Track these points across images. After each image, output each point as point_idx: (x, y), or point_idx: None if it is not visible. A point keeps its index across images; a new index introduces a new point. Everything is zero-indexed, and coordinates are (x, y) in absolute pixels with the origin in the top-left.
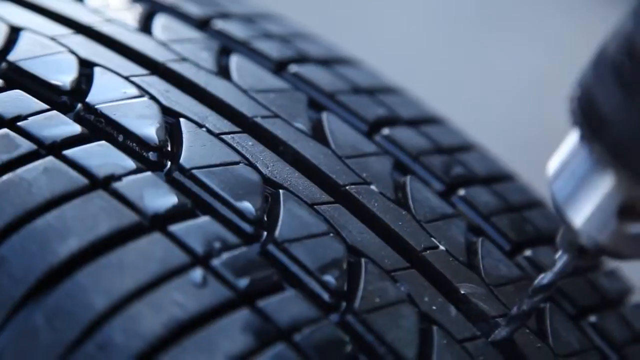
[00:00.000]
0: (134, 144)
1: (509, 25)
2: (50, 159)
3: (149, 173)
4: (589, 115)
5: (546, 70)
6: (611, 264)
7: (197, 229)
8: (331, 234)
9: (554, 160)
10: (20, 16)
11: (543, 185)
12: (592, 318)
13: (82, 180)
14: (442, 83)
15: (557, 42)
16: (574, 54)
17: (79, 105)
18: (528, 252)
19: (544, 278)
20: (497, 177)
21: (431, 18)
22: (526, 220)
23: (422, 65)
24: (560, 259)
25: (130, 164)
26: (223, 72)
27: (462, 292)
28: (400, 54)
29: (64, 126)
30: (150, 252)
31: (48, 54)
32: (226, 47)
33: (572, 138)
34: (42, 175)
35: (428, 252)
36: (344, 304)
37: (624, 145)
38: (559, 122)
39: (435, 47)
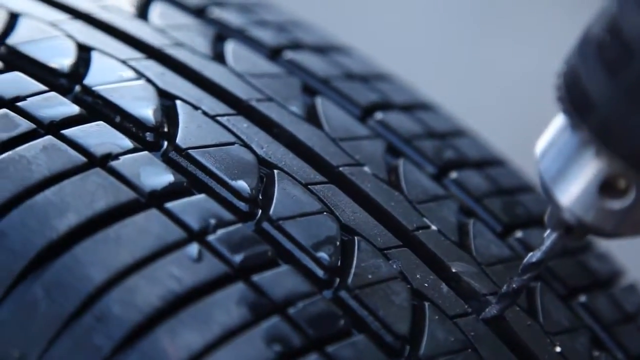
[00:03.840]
0: (131, 125)
1: (510, 24)
2: (49, 137)
3: (145, 152)
4: (574, 93)
5: (546, 69)
6: (602, 245)
7: (192, 206)
8: (325, 213)
9: (542, 140)
10: (19, 2)
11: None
12: (582, 298)
13: (80, 159)
14: (442, 81)
15: (557, 41)
16: None
17: (77, 87)
18: (519, 234)
19: (533, 256)
20: (488, 161)
21: (431, 16)
22: (517, 203)
23: (422, 64)
24: (549, 237)
25: (128, 143)
26: (218, 57)
27: (454, 270)
28: (400, 52)
29: (62, 107)
30: (146, 228)
31: (46, 37)
32: (222, 34)
33: (559, 117)
34: (41, 154)
35: (420, 231)
36: (337, 280)
37: (605, 122)
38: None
39: (436, 45)
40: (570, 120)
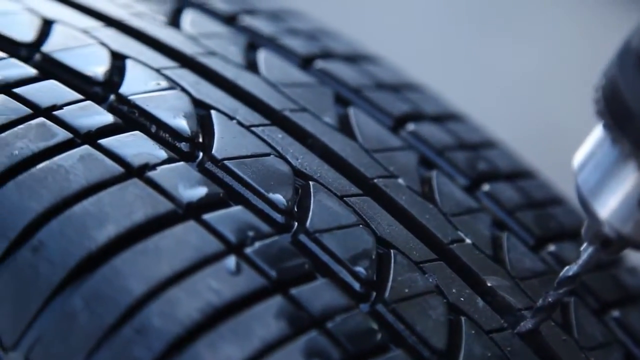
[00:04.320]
0: (167, 135)
1: (508, 25)
2: (86, 147)
3: (182, 163)
4: (613, 105)
5: (545, 69)
6: (633, 260)
7: (230, 218)
8: (361, 225)
9: (580, 153)
10: (52, 9)
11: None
12: (615, 313)
13: (118, 169)
14: (441, 81)
15: (555, 41)
16: (572, 53)
17: (112, 96)
18: (552, 247)
19: (569, 270)
20: (520, 174)
21: (430, 16)
22: (550, 216)
23: (420, 64)
24: (585, 251)
25: (164, 154)
26: (251, 66)
27: (489, 284)
28: (398, 52)
29: (98, 116)
30: (185, 240)
31: (80, 45)
32: (253, 42)
33: (598, 130)
34: (79, 163)
35: (455, 245)
36: (374, 294)
37: None
38: (555, 120)
39: (434, 45)
40: (610, 133)
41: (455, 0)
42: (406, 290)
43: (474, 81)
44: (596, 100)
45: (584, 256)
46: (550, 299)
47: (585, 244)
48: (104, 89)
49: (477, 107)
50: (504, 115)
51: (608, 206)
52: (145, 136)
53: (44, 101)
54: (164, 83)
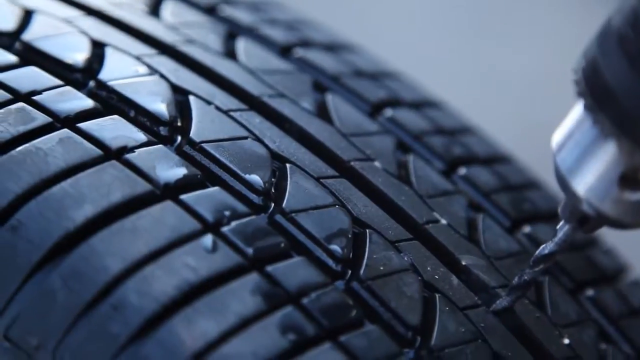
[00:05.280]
0: (145, 119)
1: (507, 26)
2: (65, 130)
3: (160, 146)
4: (594, 86)
5: (544, 69)
6: (608, 242)
7: (207, 198)
8: (337, 206)
9: (558, 132)
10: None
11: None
12: (590, 292)
13: (96, 151)
14: (441, 80)
15: (554, 41)
16: (571, 53)
17: (91, 82)
18: (527, 229)
19: (545, 248)
20: (496, 158)
21: (430, 16)
22: (525, 199)
23: (420, 63)
24: (562, 229)
25: (142, 137)
26: (230, 54)
27: (464, 263)
28: (398, 51)
29: (77, 101)
30: (162, 219)
31: (60, 34)
32: (233, 31)
33: (577, 109)
34: (58, 146)
35: (430, 225)
36: (349, 272)
37: (627, 114)
38: (555, 120)
39: (435, 45)
40: (590, 114)
41: (454, 4)
42: (381, 268)
43: (474, 82)
44: (577, 81)
45: (560, 234)
46: (525, 277)
47: (561, 222)
48: (83, 76)
49: (476, 107)
50: (503, 115)
51: (586, 183)
52: (124, 120)
53: (24, 87)
54: (143, 69)
